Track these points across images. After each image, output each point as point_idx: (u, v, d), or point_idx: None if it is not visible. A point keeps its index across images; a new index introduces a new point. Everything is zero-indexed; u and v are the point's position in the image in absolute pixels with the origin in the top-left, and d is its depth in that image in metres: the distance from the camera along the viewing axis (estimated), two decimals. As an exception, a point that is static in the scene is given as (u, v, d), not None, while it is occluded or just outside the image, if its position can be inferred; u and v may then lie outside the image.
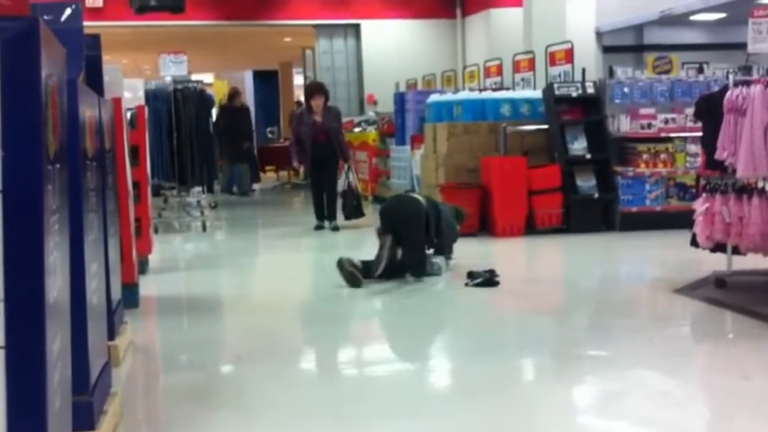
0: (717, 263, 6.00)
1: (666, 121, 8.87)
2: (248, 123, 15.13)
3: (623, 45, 10.29)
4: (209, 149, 10.27)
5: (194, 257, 8.68)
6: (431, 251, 6.68)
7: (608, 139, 8.98)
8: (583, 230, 8.57)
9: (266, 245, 9.32)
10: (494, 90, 10.64)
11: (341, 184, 9.55)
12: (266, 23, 16.34)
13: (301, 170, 17.02)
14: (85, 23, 3.86)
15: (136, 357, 4.60)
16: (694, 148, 8.51)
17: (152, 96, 9.56)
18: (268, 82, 25.42)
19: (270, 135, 20.33)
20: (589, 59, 10.46)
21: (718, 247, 5.85)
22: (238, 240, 9.91)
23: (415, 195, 6.92)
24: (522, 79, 11.76)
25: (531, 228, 8.59)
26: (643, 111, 8.90)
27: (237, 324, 5.53)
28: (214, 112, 12.95)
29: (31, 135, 2.19)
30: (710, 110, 5.84)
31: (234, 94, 14.90)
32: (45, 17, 3.45)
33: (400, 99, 11.80)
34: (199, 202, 11.13)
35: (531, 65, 11.67)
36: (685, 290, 5.77)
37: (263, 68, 25.34)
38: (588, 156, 8.92)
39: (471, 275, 6.22)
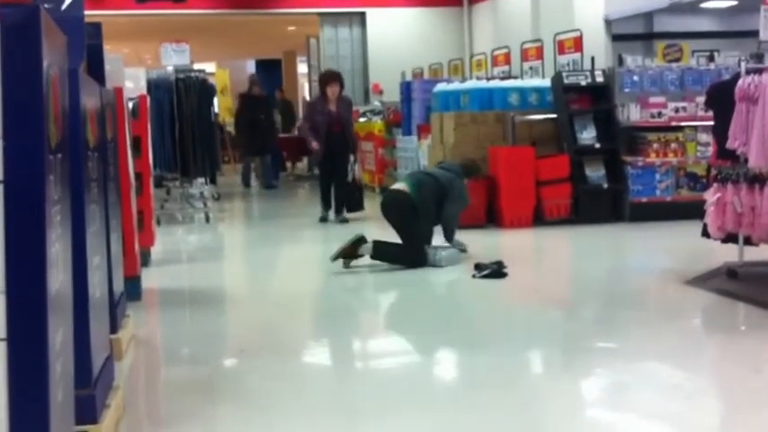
0: (728, 254, 5.94)
1: (677, 110, 8.78)
2: (270, 113, 14.78)
3: (633, 33, 10.18)
4: (211, 140, 10.20)
5: (197, 250, 8.63)
6: (441, 240, 6.63)
7: (617, 128, 8.90)
8: (592, 221, 8.50)
9: (270, 237, 9.26)
10: (501, 79, 10.57)
11: None
12: (269, 12, 16.24)
13: (306, 161, 17.07)
14: (86, 12, 3.80)
15: (138, 351, 4.57)
16: (705, 138, 8.42)
17: (154, 86, 9.49)
18: (271, 71, 25.29)
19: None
20: (598, 47, 10.37)
21: (730, 238, 5.81)
22: (242, 232, 9.88)
23: (402, 188, 6.74)
24: (531, 68, 11.68)
25: (539, 219, 8.54)
26: (653, 99, 8.81)
27: (241, 317, 5.49)
28: (216, 100, 12.80)
29: (33, 124, 2.19)
30: (722, 98, 5.77)
31: (252, 82, 14.58)
32: (46, 5, 3.40)
33: (406, 88, 11.72)
34: (202, 193, 11.08)
35: (540, 53, 11.58)
36: (696, 281, 5.71)
37: (267, 57, 25.24)
38: (597, 145, 8.84)
39: (479, 267, 6.16)
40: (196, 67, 11.67)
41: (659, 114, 8.76)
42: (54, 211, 2.33)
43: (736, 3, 10.09)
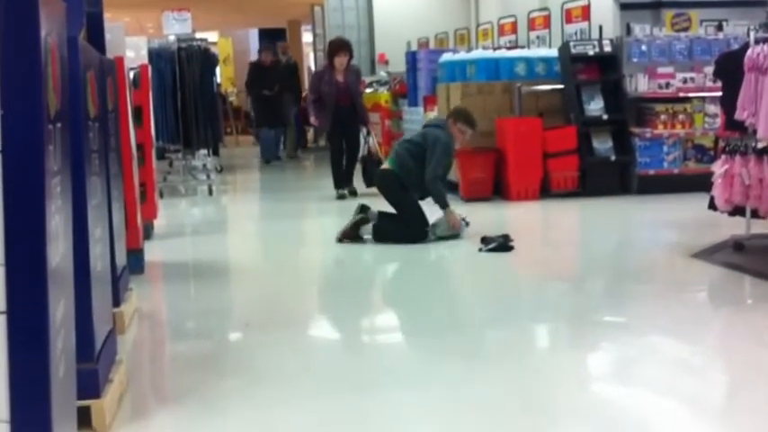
0: (735, 226, 5.90)
1: (685, 81, 8.68)
2: (285, 82, 13.85)
3: (641, 2, 10.05)
4: (214, 110, 10.12)
5: (201, 222, 8.61)
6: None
7: (625, 99, 8.80)
8: (599, 194, 8.45)
9: (274, 209, 9.22)
10: (508, 49, 10.44)
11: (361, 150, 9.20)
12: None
13: (311, 133, 16.89)
14: (86, -22, 3.73)
15: (141, 325, 4.54)
16: (713, 109, 8.34)
17: (155, 55, 9.39)
18: (275, 41, 25.02)
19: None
20: (606, 16, 10.23)
21: (737, 211, 5.78)
22: (246, 205, 9.85)
23: (386, 166, 6.69)
24: (538, 37, 11.56)
25: (546, 191, 8.48)
26: (661, 70, 8.71)
27: (245, 290, 5.47)
28: (218, 70, 12.56)
29: (31, 93, 2.15)
30: (730, 69, 5.70)
31: (284, 49, 14.19)
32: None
33: (412, 58, 11.59)
34: (205, 165, 11.02)
35: (547, 22, 11.45)
36: (703, 254, 5.67)
37: (270, 27, 24.98)
38: (605, 117, 8.75)
39: (485, 240, 6.12)
40: (198, 36, 11.54)
41: (667, 85, 8.67)
42: (54, 182, 2.30)
43: (746, -29, 9.98)
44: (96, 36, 4.02)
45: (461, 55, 10.01)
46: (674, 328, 4.23)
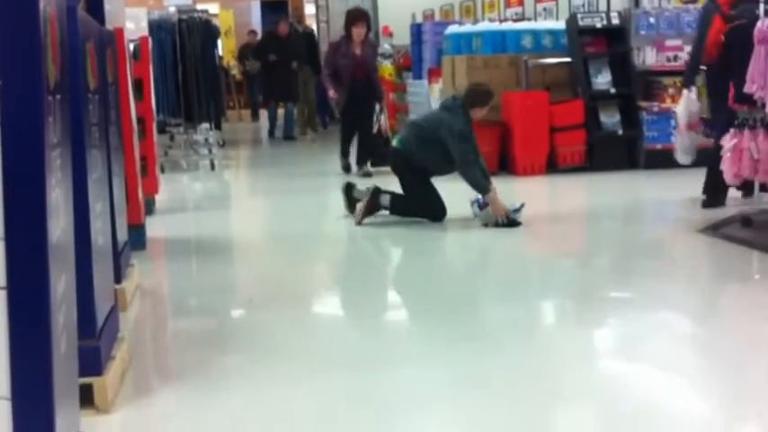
0: (743, 201, 5.83)
1: (694, 53, 8.57)
2: (299, 54, 12.88)
3: (650, -27, 9.98)
4: (216, 84, 10.01)
5: (203, 197, 8.56)
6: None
7: (633, 72, 8.69)
8: (606, 169, 8.38)
9: (278, 185, 9.10)
10: (515, 21, 10.34)
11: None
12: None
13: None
14: (85, -53, 3.69)
15: (144, 301, 4.52)
16: (722, 82, 8.23)
17: (156, 27, 9.26)
18: (278, 13, 24.73)
19: None
20: (614, -12, 10.15)
21: (746, 185, 5.69)
22: (249, 180, 9.80)
23: (395, 145, 6.49)
24: (545, 9, 11.42)
25: (552, 166, 8.41)
26: (669, 42, 8.59)
27: (249, 267, 5.44)
28: (220, 42, 12.23)
29: (30, 64, 2.09)
30: (740, 41, 5.61)
31: (298, 17, 13.60)
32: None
33: (417, 31, 11.50)
34: (207, 139, 10.95)
35: (554, -6, 11.32)
36: (710, 229, 5.62)
37: (272, -1, 24.77)
38: (612, 90, 8.66)
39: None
40: (199, 7, 11.43)
41: (675, 58, 8.56)
42: (54, 154, 2.25)
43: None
44: (95, 7, 3.98)
45: (467, 27, 9.91)
46: (681, 304, 4.23)
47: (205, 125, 10.66)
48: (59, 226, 2.30)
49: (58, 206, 2.29)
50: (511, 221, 5.93)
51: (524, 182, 8.13)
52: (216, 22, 14.82)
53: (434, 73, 10.36)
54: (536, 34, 9.12)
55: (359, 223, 6.15)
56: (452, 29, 9.96)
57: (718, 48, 6.07)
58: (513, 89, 8.69)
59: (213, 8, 23.59)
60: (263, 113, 14.97)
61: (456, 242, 6.03)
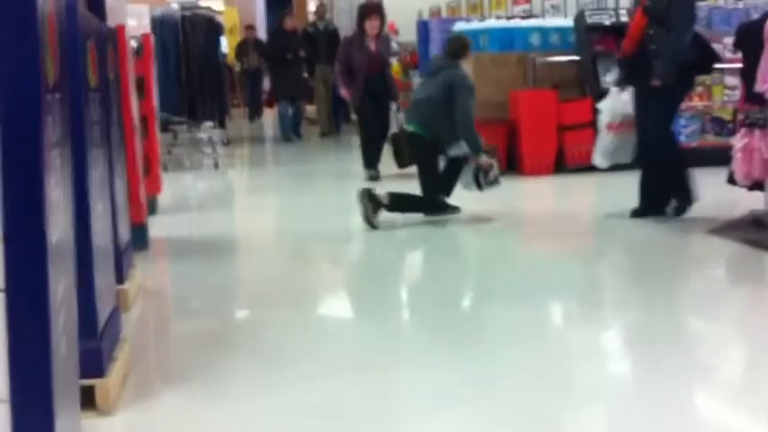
0: (754, 202, 5.80)
1: (704, 51, 8.51)
2: (310, 49, 12.40)
3: (658, -30, 9.93)
4: (219, 81, 9.98)
5: (206, 197, 8.53)
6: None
7: (642, 70, 8.65)
8: (615, 168, 8.28)
9: (283, 184, 9.09)
10: (522, 18, 10.30)
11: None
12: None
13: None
14: (86, -58, 3.66)
15: (146, 302, 4.49)
16: (732, 81, 8.18)
17: (159, 24, 9.25)
18: (283, 9, 24.57)
19: None
20: (623, -15, 10.11)
21: (757, 185, 5.66)
22: (253, 179, 9.77)
23: (407, 128, 6.33)
24: (553, 6, 11.39)
25: (560, 165, 8.35)
26: (679, 40, 8.54)
27: (253, 267, 5.41)
28: (224, 40, 12.02)
29: (28, 62, 2.09)
30: (751, 39, 5.56)
31: (320, 13, 13.08)
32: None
33: (423, 28, 11.46)
34: (210, 138, 10.90)
35: (562, -9, 11.29)
36: (721, 230, 5.58)
37: (277, -5, 24.73)
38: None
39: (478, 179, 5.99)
40: (202, 4, 11.36)
41: (685, 55, 8.51)
42: (53, 154, 2.24)
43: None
44: (96, 3, 3.97)
45: (474, 24, 9.88)
46: (691, 305, 4.22)
47: (209, 123, 10.62)
48: (60, 226, 2.29)
49: (59, 206, 2.29)
50: (490, 181, 5.93)
51: (532, 181, 8.09)
52: (220, 18, 14.65)
53: (441, 71, 10.30)
54: (544, 32, 9.09)
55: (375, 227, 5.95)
56: (459, 26, 9.92)
57: (637, 42, 6.00)
58: (521, 87, 8.66)
59: (217, 5, 23.59)
60: (268, 111, 14.89)
61: (459, 243, 6.00)
